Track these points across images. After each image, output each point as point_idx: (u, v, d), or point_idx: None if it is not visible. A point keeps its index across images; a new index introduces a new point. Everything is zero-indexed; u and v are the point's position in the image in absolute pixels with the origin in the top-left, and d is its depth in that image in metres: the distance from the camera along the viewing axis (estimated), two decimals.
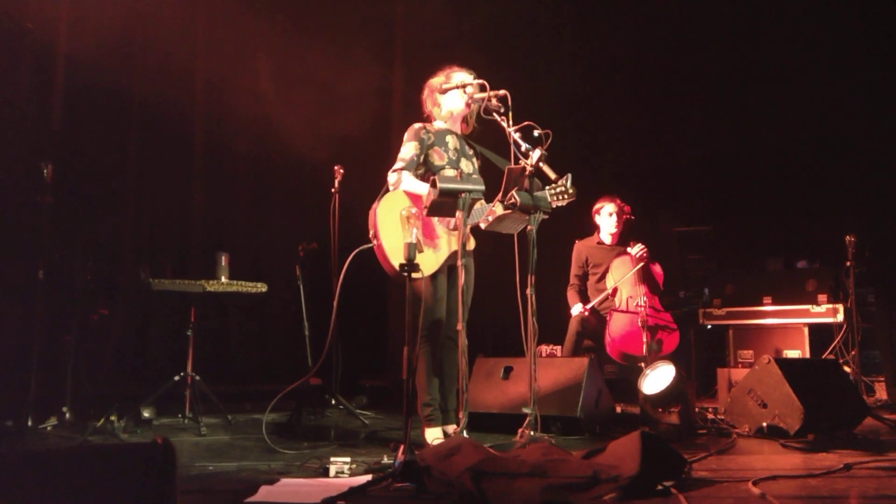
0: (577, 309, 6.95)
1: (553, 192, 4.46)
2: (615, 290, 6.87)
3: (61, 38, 6.90)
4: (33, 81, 6.67)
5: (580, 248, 7.28)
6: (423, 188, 4.75)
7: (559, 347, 6.98)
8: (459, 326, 4.16)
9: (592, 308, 6.93)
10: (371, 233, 4.69)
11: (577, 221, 7.37)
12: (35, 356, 5.47)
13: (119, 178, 7.43)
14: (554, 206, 4.45)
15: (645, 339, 6.38)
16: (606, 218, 7.22)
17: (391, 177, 4.91)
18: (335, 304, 4.72)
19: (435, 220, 4.81)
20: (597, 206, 7.31)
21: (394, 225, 4.67)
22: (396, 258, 4.45)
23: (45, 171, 5.53)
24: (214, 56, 7.91)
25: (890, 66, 7.75)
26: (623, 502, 3.01)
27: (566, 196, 4.48)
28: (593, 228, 7.37)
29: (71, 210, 6.52)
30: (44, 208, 5.58)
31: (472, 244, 4.90)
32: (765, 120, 8.83)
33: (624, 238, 7.20)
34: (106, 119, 7.28)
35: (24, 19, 6.44)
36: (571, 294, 7.19)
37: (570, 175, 4.47)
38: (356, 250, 4.54)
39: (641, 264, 6.82)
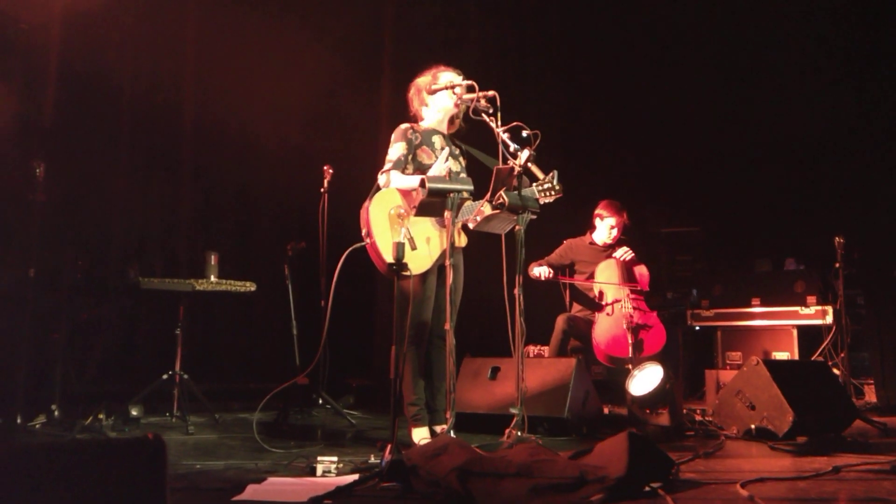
0: (542, 270, 6.84)
1: (540, 188, 4.48)
2: (601, 294, 6.83)
3: (54, 39, 6.91)
4: (26, 81, 6.70)
5: (570, 245, 7.14)
6: (415, 181, 4.73)
7: (547, 348, 6.94)
8: (447, 326, 4.16)
9: (580, 310, 6.95)
10: (364, 231, 4.70)
11: (566, 222, 7.33)
12: (24, 354, 5.47)
13: (110, 177, 7.41)
14: (542, 202, 4.47)
15: (630, 341, 6.34)
16: (606, 229, 7.03)
17: (381, 178, 4.91)
18: (329, 303, 4.74)
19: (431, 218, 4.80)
20: (601, 210, 7.09)
21: (386, 223, 4.69)
22: (390, 255, 4.42)
23: (37, 170, 5.53)
24: (205, 56, 7.89)
25: (880, 67, 7.77)
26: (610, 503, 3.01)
27: (553, 192, 4.50)
28: (589, 225, 7.25)
29: (62, 209, 6.55)
30: (36, 207, 5.58)
31: (463, 241, 4.88)
32: (754, 120, 8.83)
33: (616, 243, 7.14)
34: (97, 119, 7.28)
35: (17, 20, 6.46)
36: (534, 263, 7.01)
37: (556, 172, 4.49)
38: (349, 249, 4.54)
39: (625, 266, 6.82)
